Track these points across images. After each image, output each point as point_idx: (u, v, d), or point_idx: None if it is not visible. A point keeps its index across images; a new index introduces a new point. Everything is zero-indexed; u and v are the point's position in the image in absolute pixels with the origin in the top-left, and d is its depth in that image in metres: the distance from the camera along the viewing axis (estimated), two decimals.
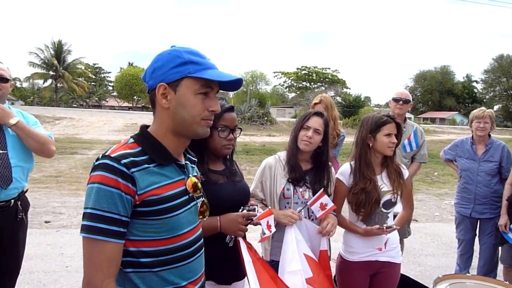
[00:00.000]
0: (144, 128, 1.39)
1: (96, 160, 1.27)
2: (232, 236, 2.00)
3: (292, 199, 2.43)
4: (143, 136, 1.35)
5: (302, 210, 2.41)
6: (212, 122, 1.36)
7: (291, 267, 2.23)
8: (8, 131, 2.63)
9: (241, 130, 2.14)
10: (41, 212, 6.56)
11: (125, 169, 1.22)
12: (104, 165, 1.22)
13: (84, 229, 1.21)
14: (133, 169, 1.23)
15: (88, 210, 1.20)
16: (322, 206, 2.35)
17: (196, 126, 1.32)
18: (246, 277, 2.02)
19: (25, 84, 61.94)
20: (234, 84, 1.36)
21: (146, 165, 1.27)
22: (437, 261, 5.09)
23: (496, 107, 64.74)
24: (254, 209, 2.02)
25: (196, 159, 1.54)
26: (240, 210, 1.97)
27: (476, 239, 4.07)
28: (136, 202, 1.23)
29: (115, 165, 1.22)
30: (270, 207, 2.27)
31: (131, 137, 1.36)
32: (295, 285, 2.16)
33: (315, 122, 2.45)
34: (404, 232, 3.66)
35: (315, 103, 4.06)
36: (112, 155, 1.24)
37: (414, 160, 4.04)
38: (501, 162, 3.86)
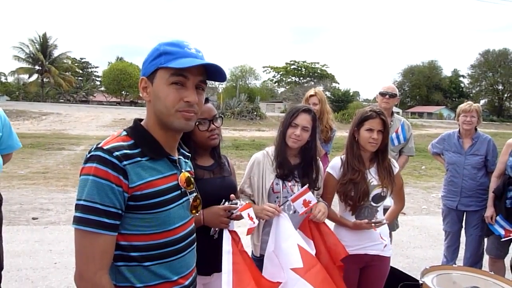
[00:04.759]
0: (137, 121, 1.38)
1: (89, 152, 1.26)
2: (216, 229, 2.04)
3: (281, 194, 2.43)
4: (136, 129, 1.35)
5: (286, 204, 2.39)
6: (192, 114, 1.30)
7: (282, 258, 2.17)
8: None
9: (223, 118, 2.17)
10: (29, 209, 6.48)
11: (117, 162, 1.21)
12: (96, 157, 1.22)
13: (76, 220, 1.20)
14: (125, 162, 1.23)
15: (81, 202, 1.20)
16: (306, 203, 2.29)
17: (172, 119, 1.29)
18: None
19: (10, 79, 60.91)
20: (217, 73, 1.33)
21: (139, 158, 1.27)
22: (424, 253, 5.16)
23: (482, 102, 65.72)
24: (237, 203, 2.05)
25: (190, 154, 1.54)
26: (222, 203, 2.00)
27: (462, 231, 4.13)
28: (127, 195, 1.23)
29: (107, 157, 1.21)
30: (248, 202, 2.23)
31: (124, 129, 1.35)
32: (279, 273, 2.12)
33: (303, 120, 2.42)
34: (392, 225, 3.71)
35: (311, 95, 4.16)
36: (105, 147, 1.24)
37: (402, 154, 4.10)
38: (487, 155, 3.91)
